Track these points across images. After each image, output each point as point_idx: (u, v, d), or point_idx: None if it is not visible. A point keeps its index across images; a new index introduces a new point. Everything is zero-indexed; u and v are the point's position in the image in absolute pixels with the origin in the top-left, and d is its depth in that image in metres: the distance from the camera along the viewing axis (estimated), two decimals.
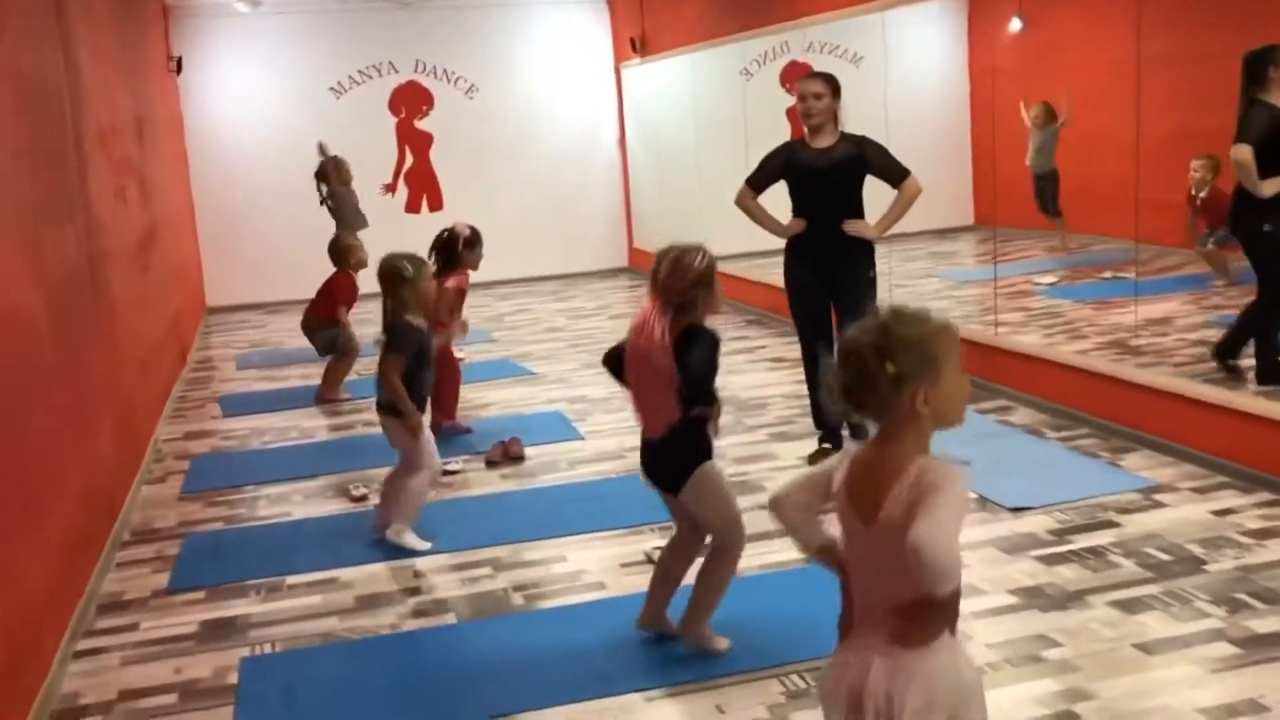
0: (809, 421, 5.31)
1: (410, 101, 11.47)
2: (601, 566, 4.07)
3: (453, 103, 11.51)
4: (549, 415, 6.23)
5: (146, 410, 6.12)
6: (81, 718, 3.23)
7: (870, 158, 4.84)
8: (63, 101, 4.78)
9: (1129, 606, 3.47)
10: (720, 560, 3.35)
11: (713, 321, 3.20)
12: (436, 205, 11.65)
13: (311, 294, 7.36)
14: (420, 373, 4.39)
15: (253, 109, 11.03)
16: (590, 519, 4.53)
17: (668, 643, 3.41)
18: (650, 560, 3.95)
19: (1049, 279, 7.95)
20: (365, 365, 6.86)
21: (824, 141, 4.87)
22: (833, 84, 4.87)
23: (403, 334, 4.38)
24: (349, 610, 3.84)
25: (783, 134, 7.25)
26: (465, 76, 11.50)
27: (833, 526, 2.06)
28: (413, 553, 4.28)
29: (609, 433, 5.76)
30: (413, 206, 11.61)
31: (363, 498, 4.97)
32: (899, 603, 1.88)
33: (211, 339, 9.57)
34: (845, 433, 5.00)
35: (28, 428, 3.56)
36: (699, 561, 3.43)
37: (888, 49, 7.53)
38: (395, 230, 11.62)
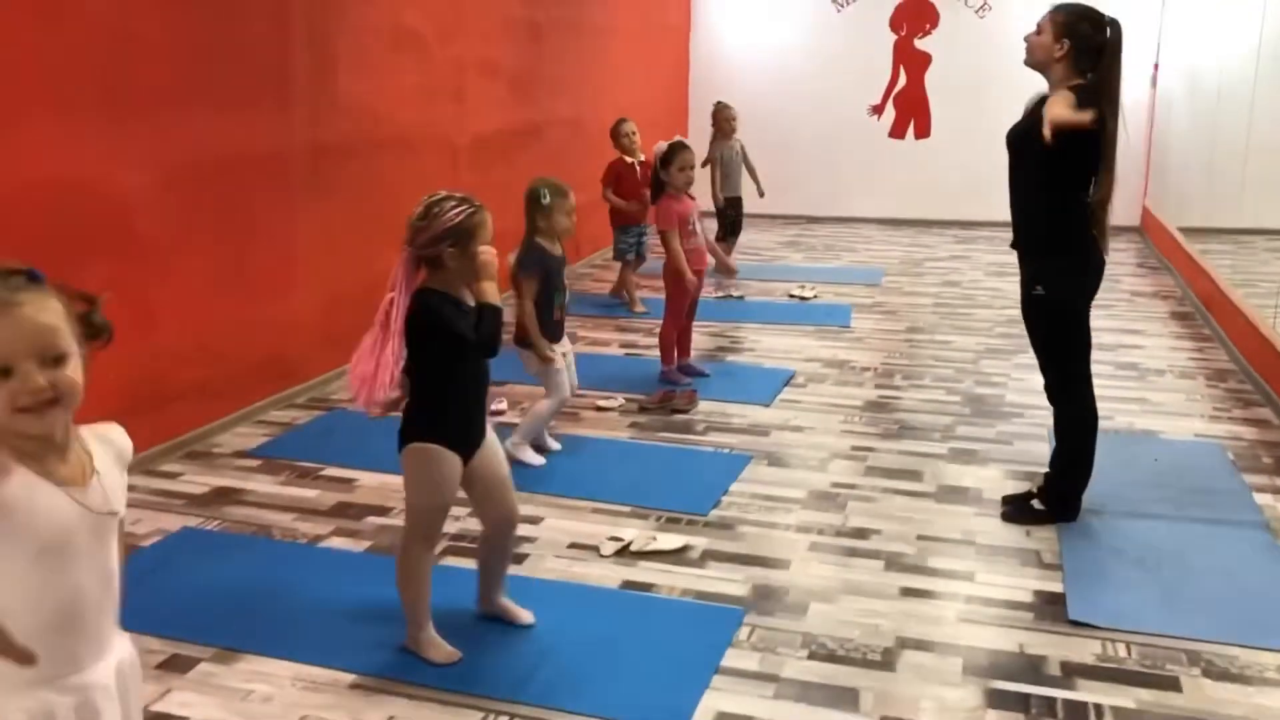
0: None
1: (913, 18, 10.79)
2: (554, 539, 3.79)
3: (960, 22, 10.58)
4: (777, 374, 5.74)
5: None
6: None
7: None
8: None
9: None
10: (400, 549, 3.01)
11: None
12: (923, 132, 10.95)
13: None
14: (548, 299, 4.38)
15: (755, 15, 11.15)
16: (612, 488, 4.20)
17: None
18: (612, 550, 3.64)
19: None
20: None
21: None
22: None
23: (523, 255, 4.39)
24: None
25: None
26: None
27: None
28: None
29: (807, 406, 5.20)
30: (898, 131, 11.03)
31: (500, 413, 5.07)
32: None
33: None
34: None
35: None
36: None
37: None
38: (875, 155, 11.31)
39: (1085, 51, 3.56)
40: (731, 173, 8.02)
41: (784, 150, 11.01)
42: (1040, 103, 3.65)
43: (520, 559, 3.63)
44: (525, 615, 3.20)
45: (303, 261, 5.28)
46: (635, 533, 3.77)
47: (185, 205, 4.49)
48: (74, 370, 1.59)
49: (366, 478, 4.28)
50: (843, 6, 10.90)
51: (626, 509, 4.02)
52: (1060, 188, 3.61)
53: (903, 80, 10.92)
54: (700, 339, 6.43)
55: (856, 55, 10.83)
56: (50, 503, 1.61)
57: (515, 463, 4.31)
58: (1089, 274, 3.70)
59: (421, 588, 3.00)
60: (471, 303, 2.85)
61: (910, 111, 10.93)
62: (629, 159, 7.05)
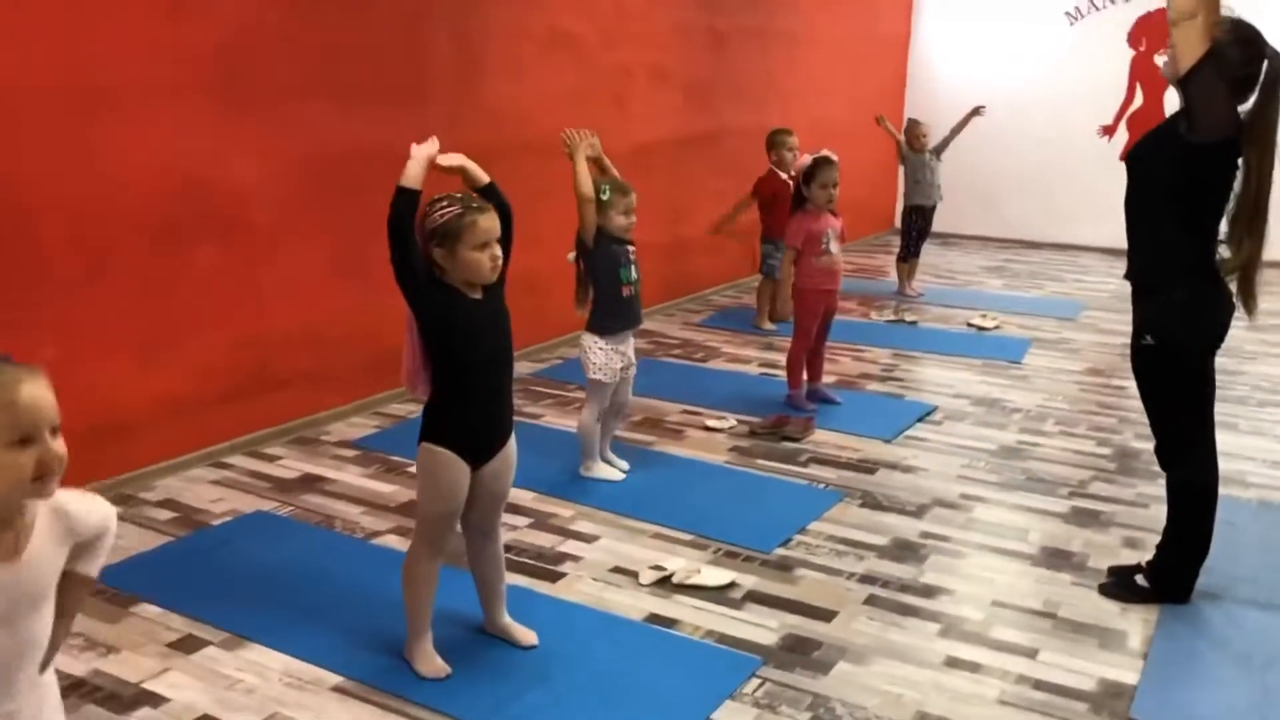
0: None
1: (1155, 33, 9.90)
2: (602, 561, 3.65)
3: None
4: (914, 407, 5.36)
5: None
6: None
7: None
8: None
9: None
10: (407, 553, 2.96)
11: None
12: None
13: None
14: (614, 277, 4.20)
15: (981, 25, 10.58)
16: (680, 513, 4.00)
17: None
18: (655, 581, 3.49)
19: None
20: None
21: None
22: None
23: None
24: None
25: None
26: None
27: None
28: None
29: (932, 445, 4.83)
30: None
31: None
32: None
33: None
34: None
35: None
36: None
37: None
38: (1101, 179, 10.56)
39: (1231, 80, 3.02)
40: (922, 179, 7.71)
41: (1002, 169, 10.43)
42: (1165, 122, 3.20)
43: (556, 577, 3.52)
44: (526, 637, 3.09)
45: None
46: (682, 563, 3.58)
47: (304, 197, 4.64)
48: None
49: None
50: (1076, 19, 10.16)
51: (687, 537, 3.84)
52: (1184, 215, 3.13)
53: (1139, 100, 10.05)
54: (847, 363, 6.13)
55: (1088, 71, 10.06)
56: None
57: (592, 482, 4.25)
58: (1211, 316, 3.20)
59: (420, 595, 2.95)
60: (477, 296, 2.78)
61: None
62: (782, 174, 6.71)
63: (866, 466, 4.56)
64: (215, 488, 4.18)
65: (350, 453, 4.60)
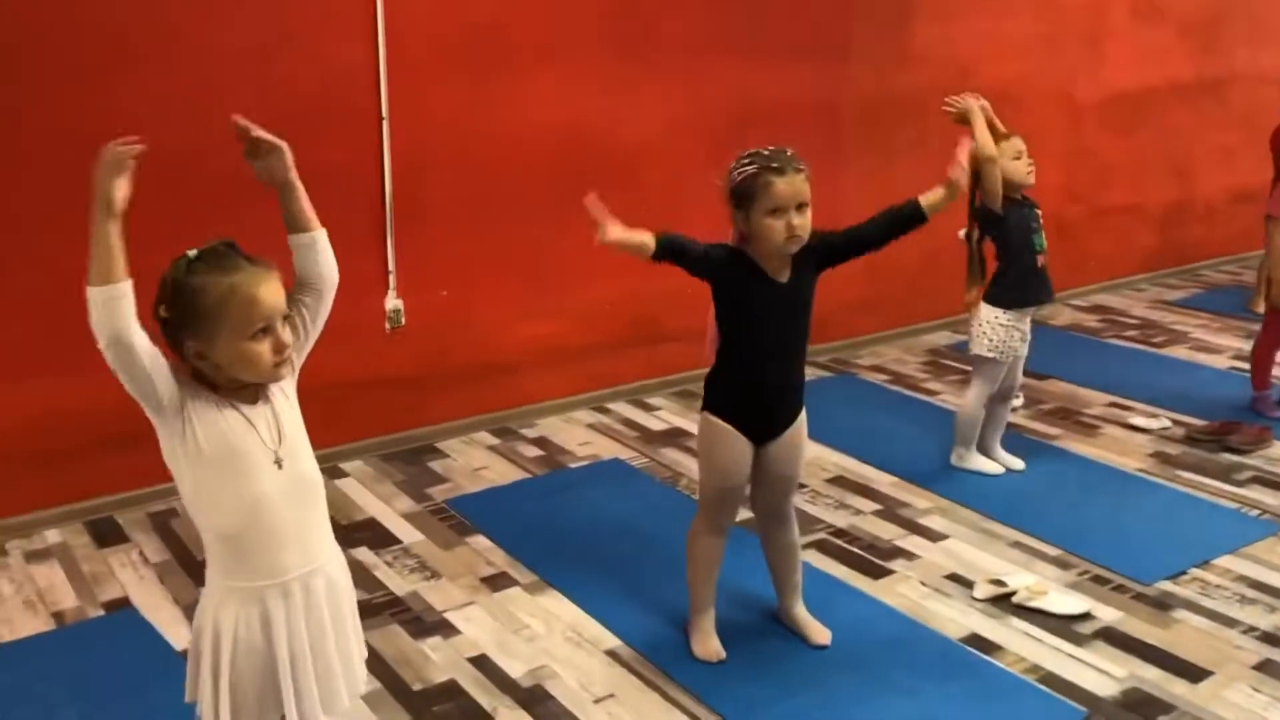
0: None
1: None
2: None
3: None
4: None
5: None
6: None
7: None
8: None
9: None
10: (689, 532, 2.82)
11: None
12: None
13: None
14: (1023, 246, 3.70)
15: None
16: (1054, 524, 3.43)
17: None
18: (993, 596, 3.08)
19: None
20: None
21: None
22: None
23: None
24: None
25: None
26: None
27: None
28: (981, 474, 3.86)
29: None
30: None
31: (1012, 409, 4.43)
32: None
33: None
34: None
35: None
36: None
37: None
38: None
39: None
40: None
41: None
42: None
43: (881, 574, 3.20)
44: (818, 634, 2.83)
45: (852, 218, 5.09)
46: (1030, 580, 3.08)
47: (700, 154, 4.56)
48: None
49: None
50: None
51: (1054, 552, 3.31)
52: None
53: None
54: None
55: None
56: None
57: (965, 474, 3.81)
58: None
59: (700, 571, 2.80)
60: (782, 278, 2.56)
61: None
62: None
63: None
64: (588, 431, 4.30)
65: None
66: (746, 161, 2.50)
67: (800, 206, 2.48)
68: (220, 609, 1.79)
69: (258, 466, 1.77)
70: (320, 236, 1.87)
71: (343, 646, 1.90)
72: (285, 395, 1.85)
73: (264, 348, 1.73)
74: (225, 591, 1.80)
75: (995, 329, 3.73)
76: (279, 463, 1.78)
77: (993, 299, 3.74)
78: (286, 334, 1.76)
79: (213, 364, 1.73)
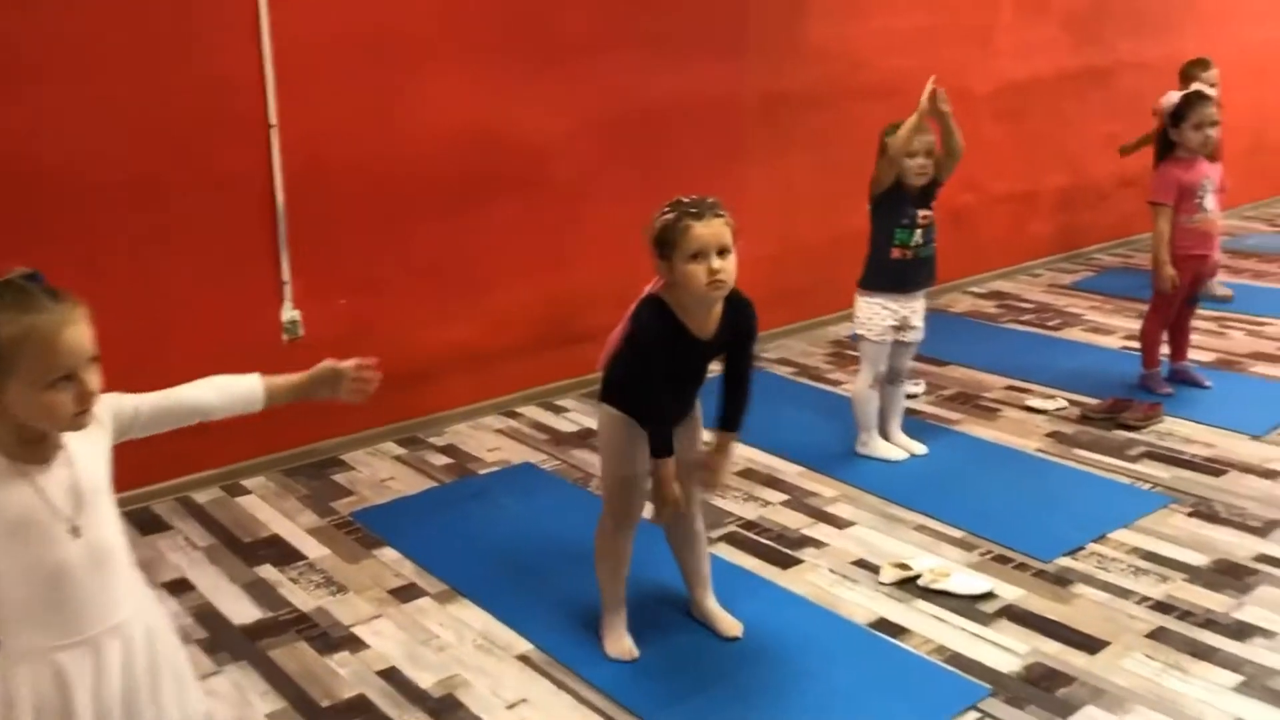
0: None
1: None
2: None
3: None
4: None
5: None
6: None
7: None
8: None
9: None
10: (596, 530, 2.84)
11: None
12: None
13: None
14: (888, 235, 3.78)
15: None
16: (956, 506, 3.51)
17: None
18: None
19: None
20: None
21: None
22: None
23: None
24: None
25: None
26: None
27: None
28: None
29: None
30: None
31: (912, 395, 4.51)
32: None
33: None
34: None
35: None
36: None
37: None
38: None
39: None
40: None
41: None
42: None
43: (790, 564, 3.23)
44: (729, 627, 2.85)
45: (754, 212, 5.13)
46: (935, 562, 3.14)
47: (603, 152, 4.57)
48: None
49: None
50: None
51: (957, 534, 3.37)
52: None
53: None
54: (1239, 338, 5.17)
55: None
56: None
57: (870, 460, 3.87)
58: None
59: (608, 570, 2.81)
60: (705, 335, 2.59)
61: None
62: None
63: (1214, 467, 3.77)
64: (497, 436, 4.27)
65: None
66: (667, 210, 2.52)
67: (722, 251, 2.48)
68: (12, 672, 1.66)
69: (50, 538, 1.62)
70: None
71: (158, 698, 1.77)
72: (90, 441, 1.69)
73: (65, 397, 1.56)
74: (19, 654, 1.66)
75: (861, 307, 3.86)
76: (74, 530, 1.64)
77: (860, 280, 3.87)
78: (93, 380, 1.59)
79: (2, 412, 1.57)
